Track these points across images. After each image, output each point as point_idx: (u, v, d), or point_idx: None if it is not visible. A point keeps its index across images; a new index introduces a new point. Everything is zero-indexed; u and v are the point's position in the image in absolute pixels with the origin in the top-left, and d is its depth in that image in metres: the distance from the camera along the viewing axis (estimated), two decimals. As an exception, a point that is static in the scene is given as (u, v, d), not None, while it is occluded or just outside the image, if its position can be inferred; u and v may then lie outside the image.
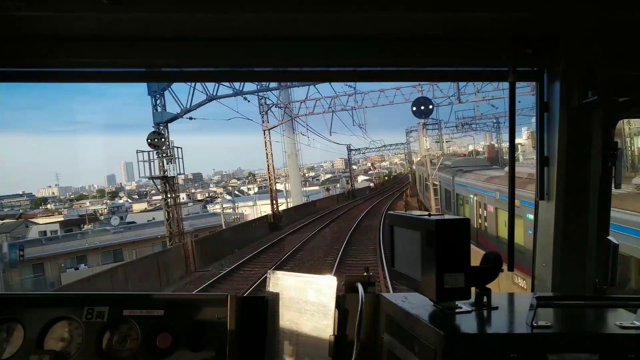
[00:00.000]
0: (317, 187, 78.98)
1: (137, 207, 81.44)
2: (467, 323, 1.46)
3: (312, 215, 40.40)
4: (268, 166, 35.47)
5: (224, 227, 34.84)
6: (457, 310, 1.53)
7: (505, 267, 1.72)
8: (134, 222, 50.77)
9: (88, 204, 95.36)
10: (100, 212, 75.82)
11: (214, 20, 1.75)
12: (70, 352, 1.77)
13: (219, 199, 48.14)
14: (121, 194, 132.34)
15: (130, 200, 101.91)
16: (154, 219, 45.39)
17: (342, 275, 1.84)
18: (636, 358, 1.28)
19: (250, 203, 54.75)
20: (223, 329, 1.77)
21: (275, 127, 34.62)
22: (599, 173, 1.88)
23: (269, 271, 1.94)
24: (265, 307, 1.86)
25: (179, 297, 1.93)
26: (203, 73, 2.20)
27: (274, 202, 35.06)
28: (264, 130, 34.19)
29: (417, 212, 1.68)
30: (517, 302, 1.70)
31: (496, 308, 1.56)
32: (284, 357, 1.79)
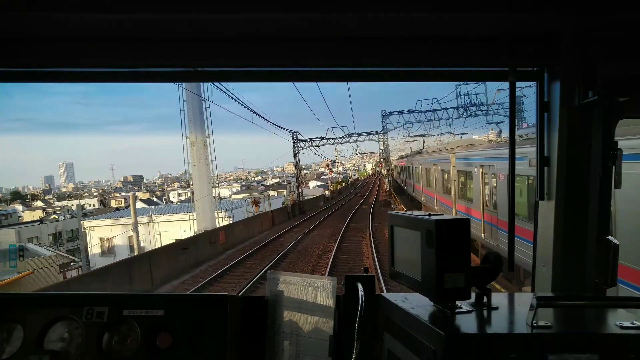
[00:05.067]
0: (242, 196, 52.98)
1: (31, 215, 64.67)
2: (467, 323, 1.46)
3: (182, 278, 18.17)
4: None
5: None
6: (457, 311, 1.53)
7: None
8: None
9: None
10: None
11: (214, 20, 1.75)
12: (70, 352, 1.77)
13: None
14: (48, 197, 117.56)
15: (41, 205, 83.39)
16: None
17: (342, 275, 1.84)
18: (636, 358, 1.28)
19: (145, 219, 35.44)
20: (223, 329, 1.76)
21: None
22: (599, 173, 1.87)
23: (268, 271, 1.94)
24: (265, 307, 1.86)
25: (179, 297, 1.92)
26: (203, 73, 2.20)
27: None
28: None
29: (416, 212, 1.68)
30: (517, 302, 1.70)
31: (496, 308, 1.56)
32: (284, 357, 1.78)
